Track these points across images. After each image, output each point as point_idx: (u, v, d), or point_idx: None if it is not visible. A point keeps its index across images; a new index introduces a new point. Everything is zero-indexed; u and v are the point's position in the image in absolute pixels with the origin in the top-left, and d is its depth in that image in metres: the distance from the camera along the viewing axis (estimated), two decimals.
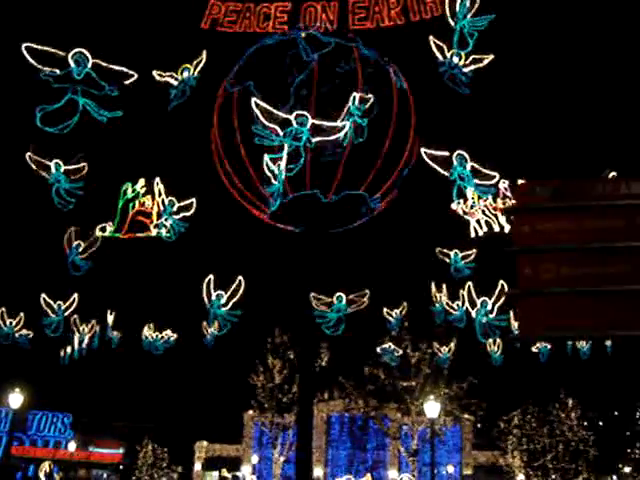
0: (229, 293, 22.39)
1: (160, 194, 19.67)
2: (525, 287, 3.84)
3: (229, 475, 54.19)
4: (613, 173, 13.69)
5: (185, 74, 19.34)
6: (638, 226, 3.85)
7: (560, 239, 3.88)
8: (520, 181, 18.68)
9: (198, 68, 19.48)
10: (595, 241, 3.85)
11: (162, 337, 27.13)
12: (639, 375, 39.57)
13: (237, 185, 19.89)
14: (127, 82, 16.85)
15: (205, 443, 57.27)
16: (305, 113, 17.65)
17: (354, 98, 17.74)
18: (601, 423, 53.79)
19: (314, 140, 17.49)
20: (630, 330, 3.84)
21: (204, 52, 19.62)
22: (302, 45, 18.88)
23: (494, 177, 19.02)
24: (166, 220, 19.52)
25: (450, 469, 54.58)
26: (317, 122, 17.62)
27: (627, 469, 45.13)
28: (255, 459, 56.01)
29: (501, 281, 23.57)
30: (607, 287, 3.78)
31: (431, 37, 18.43)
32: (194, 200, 19.99)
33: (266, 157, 17.47)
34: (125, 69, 16.90)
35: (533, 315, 3.82)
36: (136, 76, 17.02)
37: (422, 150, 19.42)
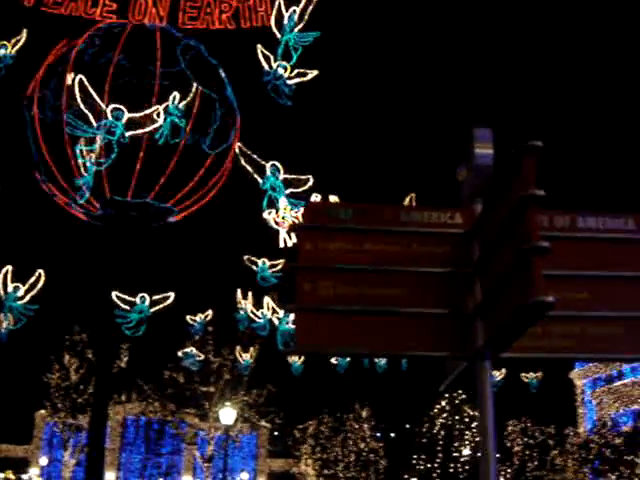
0: (27, 286, 21.47)
1: None
2: (303, 303, 3.90)
3: (13, 477, 51.68)
4: (412, 195, 14.33)
5: (2, 51, 18.46)
6: (413, 252, 4.02)
7: (340, 259, 3.98)
8: (332, 197, 19.24)
9: (17, 47, 18.64)
10: (373, 264, 3.97)
11: None
12: (429, 390, 41.48)
13: (49, 173, 19.08)
14: None
15: None
16: (121, 107, 17.28)
17: (174, 97, 17.57)
18: (392, 435, 55.88)
19: (128, 135, 17.17)
20: (403, 350, 4.00)
21: (24, 31, 18.82)
22: (128, 37, 18.49)
23: (307, 180, 19.34)
24: None
25: (244, 476, 54.86)
26: (133, 116, 17.31)
27: (413, 479, 47.11)
28: (44, 461, 53.86)
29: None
30: (382, 308, 3.91)
31: (259, 46, 18.56)
32: None
33: (78, 148, 16.97)
34: None
35: (309, 331, 3.89)
36: None
37: (239, 152, 19.46)
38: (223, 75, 19.56)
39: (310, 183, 19.14)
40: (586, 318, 3.92)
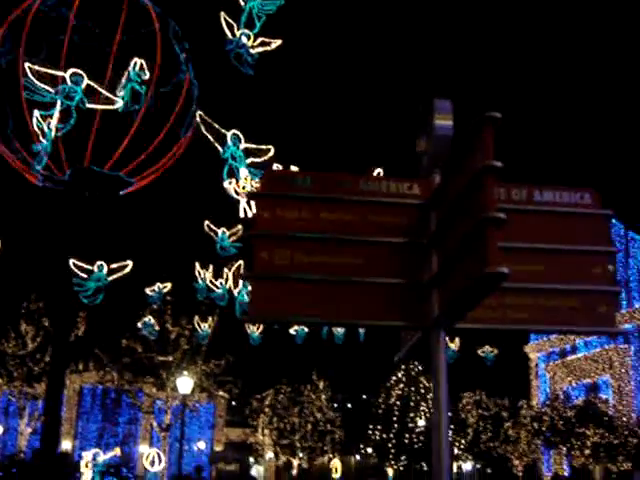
0: None
1: None
2: (259, 271, 3.89)
3: None
4: (379, 170, 14.29)
5: None
6: (370, 222, 4.02)
7: (298, 227, 3.96)
8: (293, 167, 19.15)
9: None
10: (330, 232, 3.96)
11: None
12: (386, 361, 41.86)
13: (6, 138, 18.70)
14: None
15: None
16: (81, 72, 16.97)
17: (135, 64, 17.30)
18: (349, 405, 56.36)
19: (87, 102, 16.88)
20: (358, 319, 4.01)
21: None
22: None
23: (269, 150, 19.17)
24: None
25: (201, 445, 55.00)
26: (93, 83, 17.01)
27: (369, 449, 47.59)
28: (0, 429, 53.43)
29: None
30: (339, 277, 3.90)
31: (222, 13, 18.30)
32: None
33: (36, 113, 16.66)
34: None
35: (265, 298, 3.88)
36: None
37: (199, 114, 19.22)
38: (185, 43, 19.30)
39: (271, 153, 18.98)
40: (540, 290, 3.96)
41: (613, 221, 39.08)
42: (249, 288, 4.08)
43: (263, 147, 18.98)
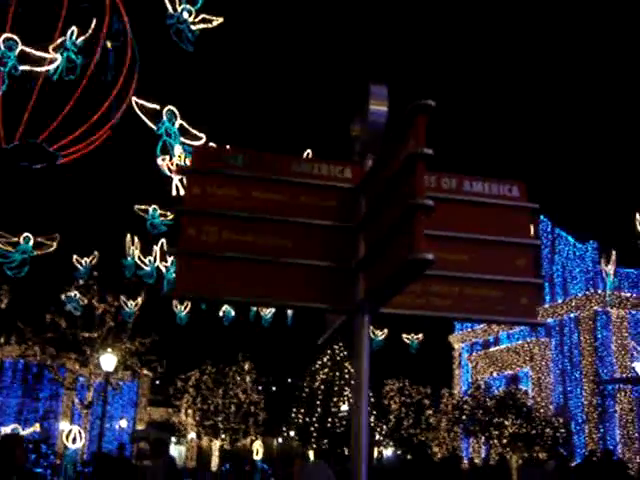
0: None
1: None
2: (185, 247, 3.85)
3: None
4: (308, 151, 14.30)
5: None
6: (300, 203, 4.01)
7: (227, 205, 3.94)
8: (227, 147, 18.98)
9: None
10: (260, 212, 3.95)
11: None
12: (312, 346, 42.04)
13: None
14: None
15: None
16: (15, 37, 16.54)
17: (72, 32, 16.92)
18: (274, 388, 56.50)
19: (21, 68, 16.46)
20: (283, 300, 4.00)
21: None
22: None
23: (201, 138, 19.01)
24: None
25: (123, 423, 54.50)
26: (27, 49, 16.60)
27: (292, 432, 47.86)
28: None
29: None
30: (266, 257, 3.89)
31: None
32: None
33: None
34: None
35: (190, 275, 3.84)
36: None
37: (134, 99, 18.95)
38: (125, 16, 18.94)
39: (203, 140, 18.80)
40: (464, 279, 4.01)
41: (541, 217, 39.87)
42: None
43: (198, 133, 18.77)
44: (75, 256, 27.82)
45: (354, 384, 3.84)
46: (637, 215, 24.47)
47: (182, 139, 18.61)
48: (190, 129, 18.70)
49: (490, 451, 38.23)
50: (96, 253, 28.18)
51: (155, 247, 24.91)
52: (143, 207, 21.99)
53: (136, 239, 25.34)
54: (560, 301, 39.49)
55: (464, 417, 39.28)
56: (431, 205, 3.15)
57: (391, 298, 3.70)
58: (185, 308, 30.39)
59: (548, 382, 40.20)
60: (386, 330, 39.78)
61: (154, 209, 22.05)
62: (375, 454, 50.81)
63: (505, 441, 36.79)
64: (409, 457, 41.10)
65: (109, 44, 18.23)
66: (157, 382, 53.50)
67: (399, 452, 49.60)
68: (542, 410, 38.02)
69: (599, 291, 36.97)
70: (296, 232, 3.97)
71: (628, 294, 37.96)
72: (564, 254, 39.73)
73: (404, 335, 41.57)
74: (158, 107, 18.72)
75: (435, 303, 4.01)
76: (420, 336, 41.65)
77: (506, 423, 36.83)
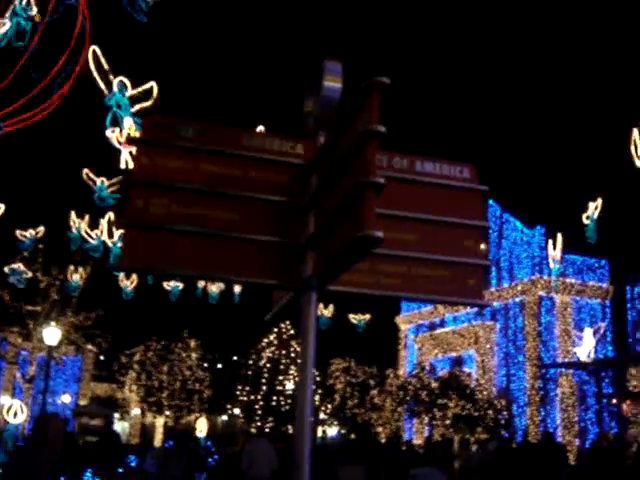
0: None
1: None
2: (133, 219, 3.78)
3: None
4: (260, 127, 14.21)
5: None
6: (250, 178, 3.97)
7: (176, 177, 3.87)
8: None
9: None
10: (209, 185, 3.89)
11: None
12: (259, 324, 42.03)
13: None
14: None
15: None
16: None
17: None
18: (220, 366, 56.38)
19: None
20: (230, 275, 3.96)
21: None
22: None
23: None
24: None
25: (66, 399, 53.91)
26: None
27: (236, 410, 47.83)
28: None
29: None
30: (214, 231, 3.85)
31: None
32: None
33: None
34: None
35: (137, 248, 3.78)
36: None
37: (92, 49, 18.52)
38: None
39: (154, 93, 18.45)
40: (412, 259, 4.01)
41: (490, 202, 40.27)
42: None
43: (147, 86, 18.40)
44: (18, 230, 27.35)
45: (300, 362, 3.82)
46: (590, 204, 24.84)
47: (132, 110, 18.29)
48: (139, 90, 18.29)
49: (433, 431, 38.72)
50: (42, 228, 27.74)
51: (102, 221, 24.59)
52: (91, 176, 21.63)
53: (83, 212, 24.99)
54: (506, 285, 40.03)
55: (408, 398, 39.71)
56: (382, 183, 3.13)
57: (339, 275, 3.68)
58: (131, 283, 30.12)
59: (492, 365, 40.80)
60: (333, 308, 40.03)
61: (102, 182, 21.73)
62: (319, 433, 51.11)
63: (448, 422, 37.29)
64: (353, 436, 41.41)
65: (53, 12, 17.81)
66: (101, 357, 52.99)
67: (343, 431, 49.97)
68: (485, 392, 38.58)
69: (544, 277, 37.56)
70: (245, 207, 3.93)
71: (573, 280, 38.67)
72: (512, 239, 40.26)
73: (351, 315, 41.89)
74: (110, 77, 18.32)
75: (383, 282, 4.02)
76: (367, 317, 42.02)
77: (449, 404, 37.33)
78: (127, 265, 3.93)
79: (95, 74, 17.93)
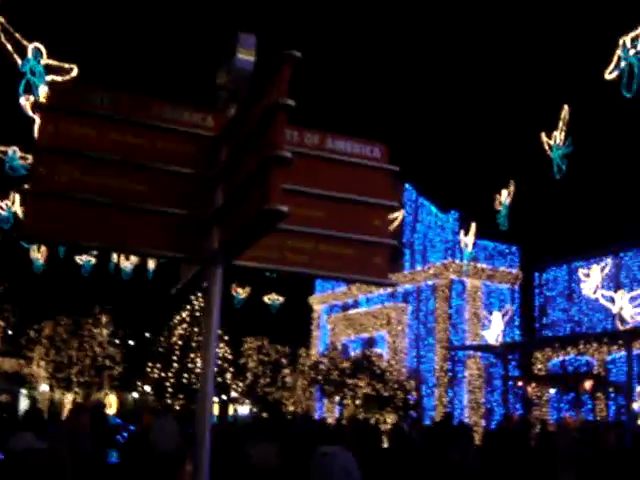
0: None
1: None
2: (36, 187, 3.68)
3: None
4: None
5: None
6: (159, 148, 3.92)
7: (83, 145, 3.78)
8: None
9: None
10: (116, 154, 3.82)
11: None
12: (172, 301, 41.71)
13: None
14: None
15: None
16: None
17: None
18: (131, 342, 55.72)
19: None
20: (135, 246, 3.92)
21: None
22: None
23: (71, 70, 18.17)
24: None
25: None
26: None
27: (147, 388, 47.42)
28: None
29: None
30: (120, 201, 3.78)
31: None
32: None
33: None
34: None
35: (40, 216, 3.68)
36: None
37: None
38: None
39: (74, 73, 18.02)
40: (320, 236, 4.02)
41: (406, 186, 40.72)
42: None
43: (66, 65, 17.97)
44: None
45: (203, 336, 3.80)
46: (503, 191, 25.30)
47: (48, 78, 17.78)
48: (56, 63, 17.80)
49: (343, 411, 39.14)
50: None
51: (12, 191, 23.94)
52: (2, 148, 21.04)
53: None
54: (419, 268, 40.61)
55: (320, 377, 40.00)
56: (289, 157, 3.13)
57: (245, 250, 3.68)
58: (41, 256, 29.45)
59: (403, 346, 41.39)
60: (249, 289, 40.01)
61: (14, 151, 21.16)
62: (231, 411, 51.14)
63: (358, 402, 37.74)
64: (264, 415, 41.58)
65: None
66: (9, 332, 51.68)
67: (254, 410, 50.12)
68: (395, 373, 39.15)
69: (457, 261, 38.23)
70: (153, 178, 3.87)
71: (484, 265, 39.47)
72: (426, 223, 40.80)
73: (266, 297, 41.99)
74: (25, 42, 17.76)
75: (291, 258, 4.02)
76: (281, 299, 42.19)
77: (360, 384, 37.75)
78: (29, 234, 3.84)
79: (3, 39, 17.34)
